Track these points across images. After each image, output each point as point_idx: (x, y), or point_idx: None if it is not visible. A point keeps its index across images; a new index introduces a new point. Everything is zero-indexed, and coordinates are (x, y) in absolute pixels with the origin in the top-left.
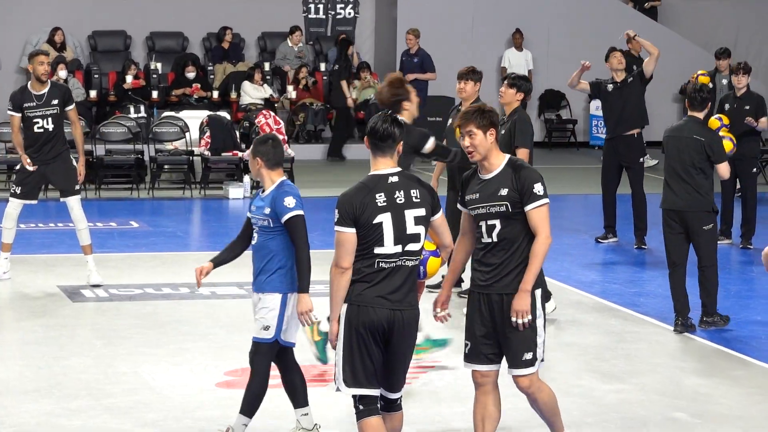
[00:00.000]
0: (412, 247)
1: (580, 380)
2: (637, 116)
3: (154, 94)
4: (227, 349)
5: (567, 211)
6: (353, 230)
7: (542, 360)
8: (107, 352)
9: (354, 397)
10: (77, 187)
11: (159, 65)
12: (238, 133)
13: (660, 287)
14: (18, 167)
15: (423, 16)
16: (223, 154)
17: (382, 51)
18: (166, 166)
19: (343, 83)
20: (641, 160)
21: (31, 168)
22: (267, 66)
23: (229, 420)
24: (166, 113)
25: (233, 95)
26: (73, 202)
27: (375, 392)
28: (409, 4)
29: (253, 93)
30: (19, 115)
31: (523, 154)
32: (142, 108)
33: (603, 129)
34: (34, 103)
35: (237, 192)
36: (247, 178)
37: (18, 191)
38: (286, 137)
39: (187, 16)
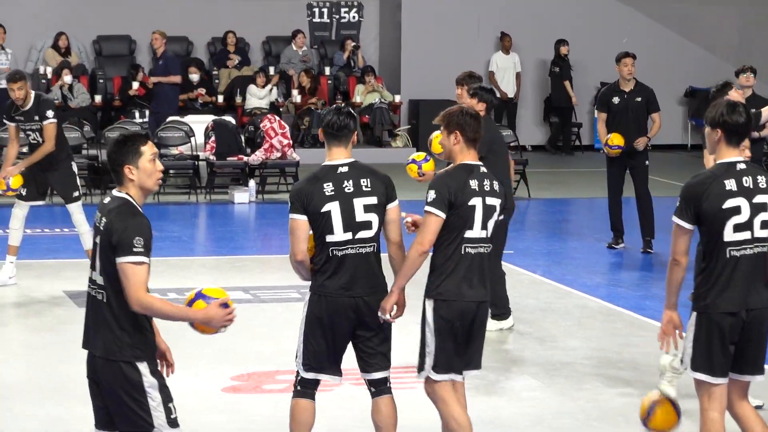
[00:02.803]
0: (363, 234)
1: (586, 384)
2: (643, 128)
3: None
4: (233, 354)
5: (572, 215)
6: (304, 217)
7: (431, 370)
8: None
9: (297, 378)
10: (76, 194)
11: None
12: (243, 138)
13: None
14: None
15: (427, 20)
16: (228, 158)
17: (387, 55)
18: (171, 171)
19: None
20: (647, 162)
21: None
22: (272, 70)
23: (236, 425)
24: (171, 118)
25: (238, 100)
26: (74, 208)
27: (321, 377)
28: (413, 8)
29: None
30: (14, 124)
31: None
32: (147, 112)
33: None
34: (22, 118)
35: (242, 196)
36: (252, 183)
37: (23, 193)
38: (291, 141)
39: (192, 21)
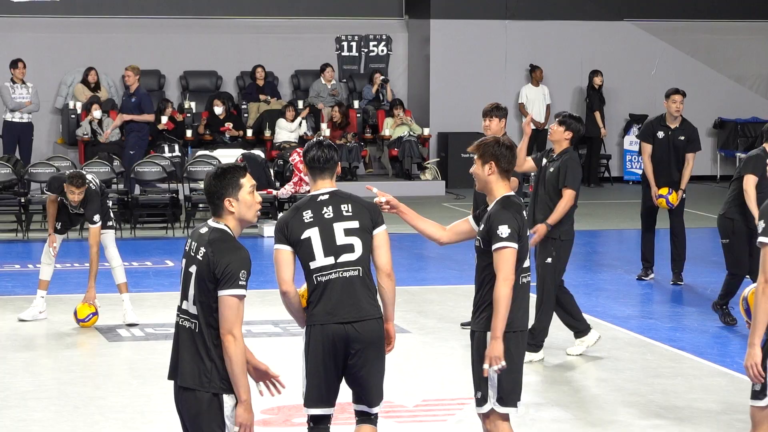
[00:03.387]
0: (346, 257)
1: (617, 416)
2: (682, 166)
3: (188, 133)
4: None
5: (602, 246)
6: (287, 248)
7: (499, 402)
8: (144, 392)
9: (307, 416)
10: (110, 222)
11: (193, 104)
12: (272, 171)
13: (696, 322)
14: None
15: (456, 53)
16: (257, 192)
17: (416, 88)
18: (200, 205)
19: None
20: (683, 196)
21: (53, 253)
22: (301, 103)
23: None
24: (201, 152)
25: (267, 133)
26: (108, 241)
27: (328, 411)
28: (441, 41)
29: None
30: (56, 195)
31: (569, 195)
32: (177, 147)
33: (638, 164)
34: (69, 206)
35: (272, 230)
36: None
37: (57, 226)
38: None
39: (221, 55)
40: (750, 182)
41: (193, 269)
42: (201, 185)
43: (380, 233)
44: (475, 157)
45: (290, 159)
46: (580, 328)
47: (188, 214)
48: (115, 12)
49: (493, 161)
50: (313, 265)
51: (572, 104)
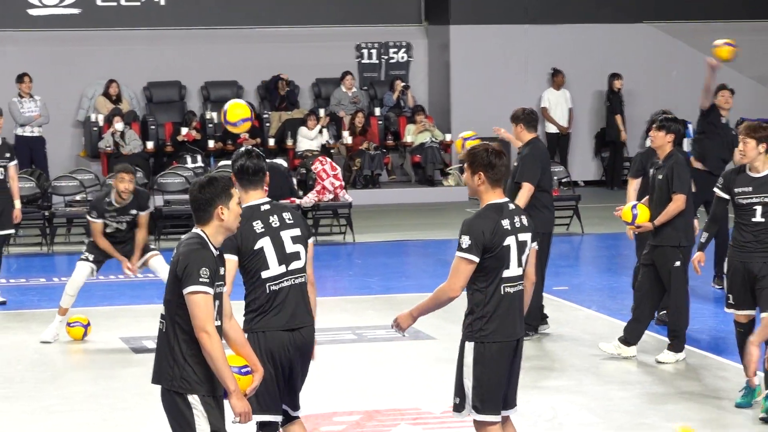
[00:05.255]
0: (295, 265)
1: (645, 419)
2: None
3: (210, 143)
4: None
5: (626, 249)
6: (235, 258)
7: (472, 410)
8: None
9: (257, 423)
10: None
11: (214, 115)
12: (295, 180)
13: (722, 323)
14: (89, 241)
15: (476, 58)
16: (280, 201)
17: (436, 94)
18: None
19: None
20: None
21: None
22: (322, 112)
23: None
24: (223, 162)
25: (289, 142)
26: (157, 264)
27: (278, 418)
28: (461, 47)
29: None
30: (101, 221)
31: (678, 200)
32: (199, 158)
33: None
34: (115, 213)
35: None
36: None
37: (90, 258)
38: (343, 183)
39: (241, 65)
40: None
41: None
42: None
43: (310, 244)
44: (465, 165)
45: (312, 167)
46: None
47: None
48: (135, 24)
49: (482, 171)
50: (265, 274)
51: (593, 108)
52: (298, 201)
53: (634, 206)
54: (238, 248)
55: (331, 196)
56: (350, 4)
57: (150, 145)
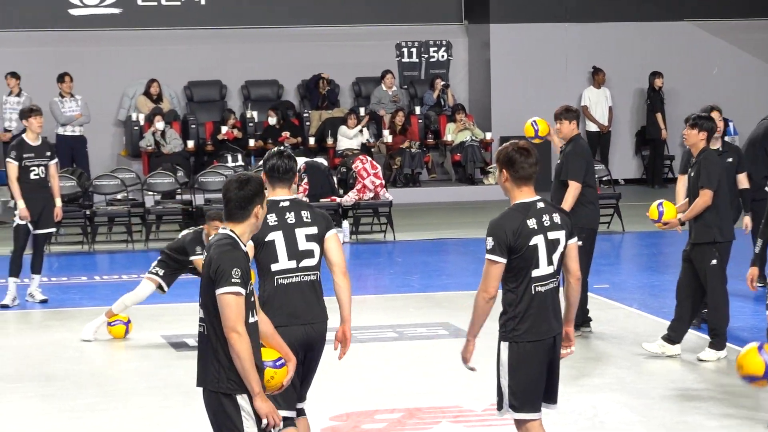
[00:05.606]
0: (306, 262)
1: (686, 417)
2: None
3: (251, 142)
4: (331, 394)
5: (666, 247)
6: (251, 243)
7: (509, 409)
8: None
9: None
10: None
11: (255, 114)
12: (335, 179)
13: (763, 321)
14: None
15: (516, 56)
16: (321, 200)
17: (477, 92)
18: None
19: None
20: None
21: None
22: (362, 111)
23: None
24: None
25: (329, 141)
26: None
27: (293, 413)
28: (501, 45)
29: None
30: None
31: (704, 195)
32: (240, 157)
33: None
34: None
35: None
36: (345, 224)
37: (160, 273)
38: (383, 181)
39: (282, 64)
40: None
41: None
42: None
43: (332, 235)
44: (496, 165)
45: (353, 166)
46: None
47: None
48: (175, 23)
49: (506, 169)
50: (275, 267)
51: (633, 106)
52: (338, 200)
53: (660, 203)
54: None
55: (372, 195)
56: (391, 3)
57: (190, 144)
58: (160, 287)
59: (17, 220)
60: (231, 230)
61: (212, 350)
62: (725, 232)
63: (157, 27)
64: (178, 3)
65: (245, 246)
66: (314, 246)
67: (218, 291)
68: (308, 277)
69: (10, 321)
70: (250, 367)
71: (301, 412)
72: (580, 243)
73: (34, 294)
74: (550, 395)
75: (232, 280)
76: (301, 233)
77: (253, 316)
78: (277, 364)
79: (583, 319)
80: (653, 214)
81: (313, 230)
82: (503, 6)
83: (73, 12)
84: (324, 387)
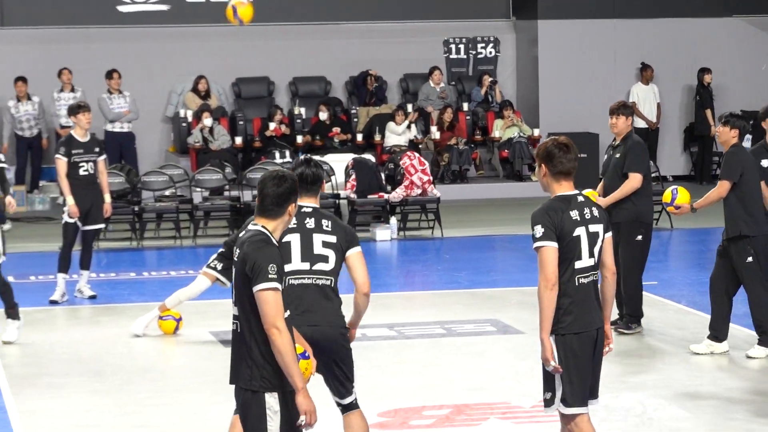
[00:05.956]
0: (320, 266)
1: (735, 414)
2: None
3: (299, 138)
4: (379, 390)
5: (715, 244)
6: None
7: (560, 404)
8: None
9: None
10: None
11: (302, 110)
12: (383, 175)
13: None
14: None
15: (564, 53)
16: (369, 196)
17: (525, 89)
18: None
19: None
20: None
21: None
22: (410, 107)
23: None
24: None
25: (377, 137)
26: None
27: None
28: (549, 42)
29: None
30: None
31: (720, 186)
32: (287, 153)
33: None
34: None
35: (384, 234)
36: (393, 220)
37: (218, 267)
38: (431, 178)
39: (329, 61)
40: None
41: (234, 272)
42: None
43: (355, 254)
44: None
45: (401, 163)
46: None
47: None
48: (223, 20)
49: (544, 163)
50: (288, 267)
51: (682, 102)
52: (386, 196)
53: (675, 188)
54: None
55: (420, 191)
56: (438, 0)
57: (238, 140)
58: (220, 281)
59: (66, 217)
60: (263, 226)
61: (246, 348)
62: (753, 226)
63: (205, 23)
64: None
65: (277, 242)
66: (330, 253)
67: (256, 288)
68: (320, 281)
69: (59, 317)
70: (292, 362)
71: (352, 406)
72: (639, 238)
73: (82, 290)
74: (592, 390)
75: (269, 276)
76: (318, 238)
77: (286, 311)
78: (306, 355)
79: (637, 316)
80: (666, 197)
81: (332, 239)
82: (551, 2)
83: (122, 9)
84: (372, 383)
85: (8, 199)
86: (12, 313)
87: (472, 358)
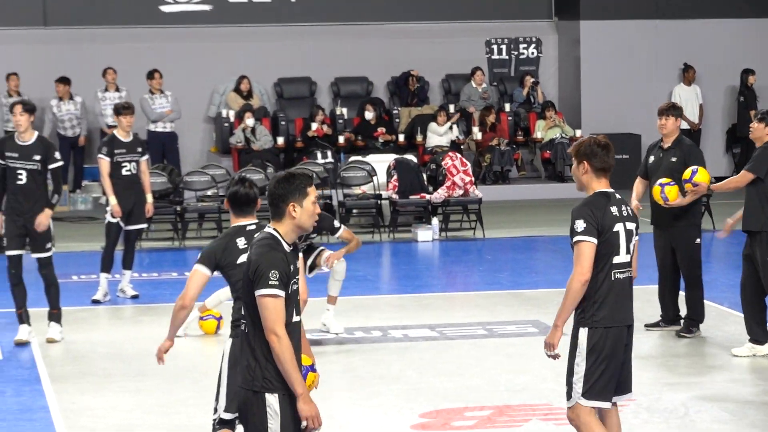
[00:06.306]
0: None
1: None
2: None
3: (341, 139)
4: (421, 391)
5: None
6: (207, 272)
7: (581, 396)
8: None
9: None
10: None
11: (344, 110)
12: (425, 176)
13: None
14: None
15: (606, 54)
16: (410, 197)
17: (567, 90)
18: (354, 210)
19: None
20: None
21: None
22: (452, 107)
23: None
24: (353, 158)
25: (419, 138)
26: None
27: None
28: (592, 42)
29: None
30: None
31: (743, 175)
32: (329, 153)
33: None
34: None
35: (426, 234)
36: (435, 221)
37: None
38: (473, 178)
39: (371, 61)
40: None
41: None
42: (354, 191)
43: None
44: (573, 158)
45: (442, 163)
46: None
47: (342, 219)
48: (265, 20)
49: (586, 160)
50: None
51: (725, 104)
52: (428, 196)
53: (695, 168)
54: (216, 264)
55: (461, 192)
56: (480, 0)
57: (280, 140)
58: None
59: (109, 217)
60: (275, 229)
61: (249, 348)
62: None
63: (247, 24)
64: (269, 0)
65: (290, 246)
66: None
67: (256, 293)
68: None
69: (101, 316)
70: (292, 369)
71: None
72: (698, 241)
73: (125, 289)
74: (623, 385)
75: (270, 282)
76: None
77: (297, 315)
78: (314, 367)
79: (699, 320)
80: (686, 175)
81: None
82: (594, 3)
83: (165, 9)
84: (413, 384)
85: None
86: (54, 314)
87: (514, 359)
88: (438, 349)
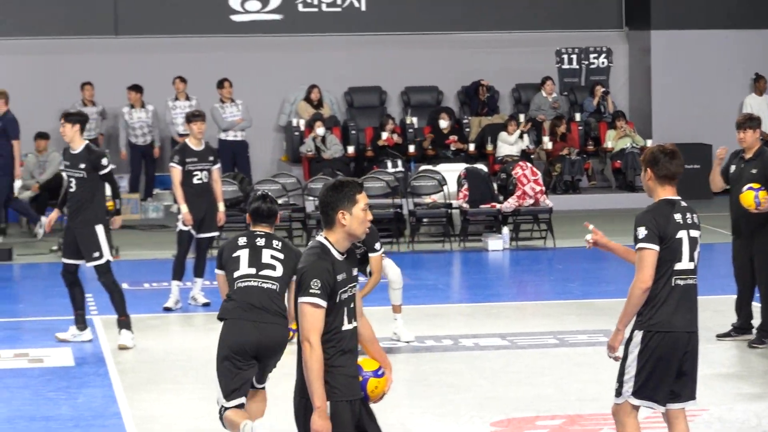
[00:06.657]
0: (266, 272)
1: None
2: None
3: (411, 148)
4: (492, 400)
5: None
6: (222, 272)
7: (631, 395)
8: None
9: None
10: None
11: (415, 119)
12: (495, 185)
13: None
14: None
15: (677, 63)
16: (481, 206)
17: (637, 99)
18: (425, 220)
19: None
20: None
21: None
22: (522, 117)
23: None
24: (424, 167)
25: (489, 147)
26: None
27: (242, 400)
28: (662, 52)
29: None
30: None
31: None
32: (400, 162)
33: None
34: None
35: (496, 244)
36: (506, 230)
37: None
38: (543, 188)
39: (441, 70)
40: None
41: None
42: (425, 200)
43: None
44: (641, 165)
45: (513, 173)
46: None
47: (413, 228)
48: (335, 29)
49: (650, 168)
50: (236, 274)
51: None
52: (498, 206)
53: (757, 193)
54: (221, 261)
55: (532, 202)
56: (550, 10)
57: (351, 149)
58: None
59: (180, 225)
60: (325, 237)
61: (301, 353)
62: None
63: (317, 33)
64: (339, 9)
65: (342, 254)
66: (278, 264)
67: (298, 299)
68: (266, 285)
69: (173, 324)
70: (316, 380)
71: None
72: None
73: (196, 297)
74: (684, 392)
75: (310, 291)
76: (267, 252)
77: (350, 322)
78: (378, 373)
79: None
80: (748, 201)
81: (281, 255)
82: (664, 12)
83: (235, 18)
84: (484, 392)
85: (117, 218)
86: (123, 321)
87: (585, 368)
88: (508, 358)
